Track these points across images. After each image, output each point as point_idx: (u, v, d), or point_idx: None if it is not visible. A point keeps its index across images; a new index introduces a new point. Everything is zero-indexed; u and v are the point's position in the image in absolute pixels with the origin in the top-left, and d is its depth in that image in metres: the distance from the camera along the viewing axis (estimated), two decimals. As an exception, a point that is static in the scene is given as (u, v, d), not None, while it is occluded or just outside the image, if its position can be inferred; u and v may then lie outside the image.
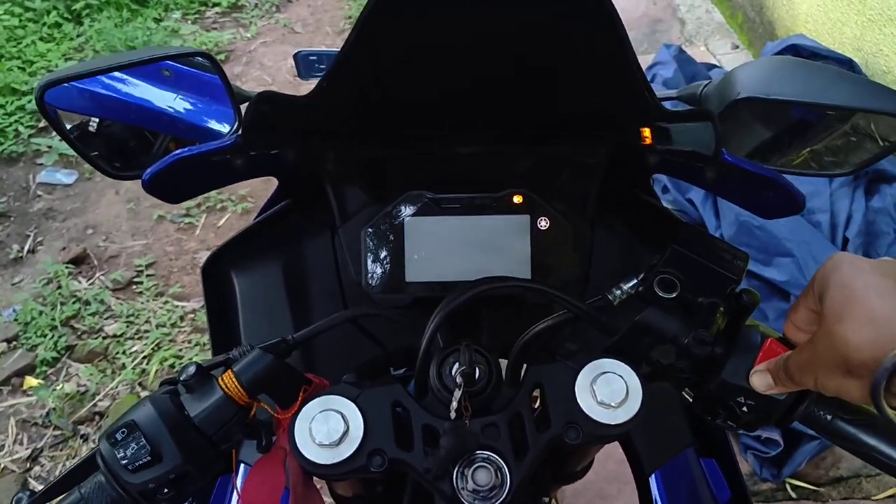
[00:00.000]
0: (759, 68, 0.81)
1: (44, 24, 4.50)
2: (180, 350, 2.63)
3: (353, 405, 0.69)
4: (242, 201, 3.27)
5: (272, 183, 0.98)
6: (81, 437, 2.39)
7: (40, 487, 0.69)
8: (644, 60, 3.35)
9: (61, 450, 2.37)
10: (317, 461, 0.67)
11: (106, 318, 2.80)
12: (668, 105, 0.86)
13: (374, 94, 0.75)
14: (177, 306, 2.81)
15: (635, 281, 0.78)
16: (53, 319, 2.76)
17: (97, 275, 2.99)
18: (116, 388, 2.53)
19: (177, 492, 0.66)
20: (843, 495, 1.98)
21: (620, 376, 0.69)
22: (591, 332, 0.79)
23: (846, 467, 2.01)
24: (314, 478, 0.78)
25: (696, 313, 0.72)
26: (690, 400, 0.76)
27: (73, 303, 2.84)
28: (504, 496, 0.67)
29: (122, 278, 2.94)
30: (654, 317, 0.72)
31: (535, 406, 0.73)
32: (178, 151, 0.72)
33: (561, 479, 1.00)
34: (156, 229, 3.19)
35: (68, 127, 0.89)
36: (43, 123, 3.67)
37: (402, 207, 0.89)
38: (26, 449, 2.38)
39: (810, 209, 2.35)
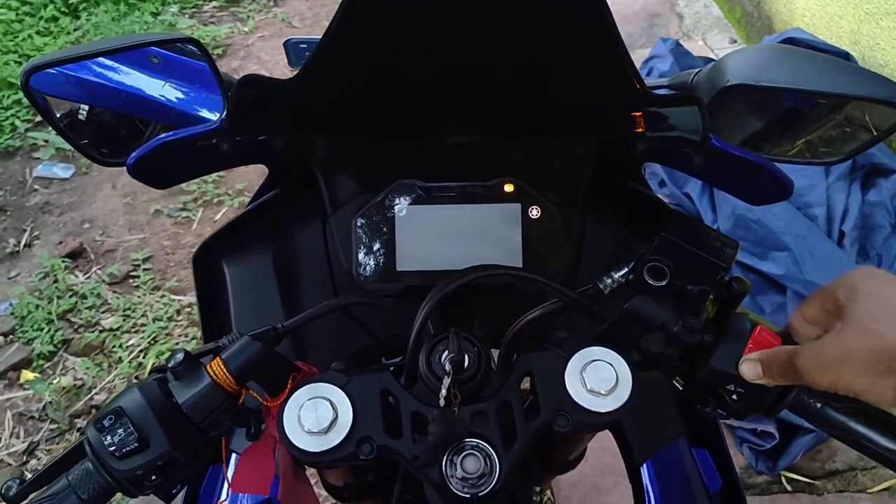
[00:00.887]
0: (750, 55, 0.80)
1: (41, 17, 4.49)
2: (177, 344, 2.63)
3: (341, 392, 0.69)
4: (239, 195, 3.27)
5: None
6: (78, 430, 2.39)
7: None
8: (642, 55, 3.35)
9: (58, 443, 2.37)
10: (306, 449, 0.67)
11: (102, 312, 2.80)
12: (658, 93, 0.86)
13: (359, 82, 0.75)
14: (173, 300, 2.81)
15: (625, 269, 0.77)
16: (50, 313, 2.76)
17: (94, 269, 2.98)
18: (113, 381, 2.53)
19: (165, 479, 0.66)
20: (839, 488, 1.98)
21: (610, 364, 0.69)
22: (582, 321, 0.79)
23: (842, 460, 2.02)
24: (305, 466, 0.78)
25: (685, 301, 0.72)
26: (680, 388, 0.76)
27: (70, 297, 2.83)
28: (493, 484, 0.67)
29: (118, 272, 2.94)
30: (643, 305, 0.72)
31: (526, 394, 0.73)
32: (162, 135, 0.72)
33: (552, 468, 1.00)
34: (152, 223, 3.18)
35: (57, 114, 0.89)
36: (40, 117, 3.66)
37: (393, 196, 0.89)
38: (23, 442, 2.37)
39: (806, 203, 2.35)
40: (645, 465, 0.89)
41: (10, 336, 2.72)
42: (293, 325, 0.80)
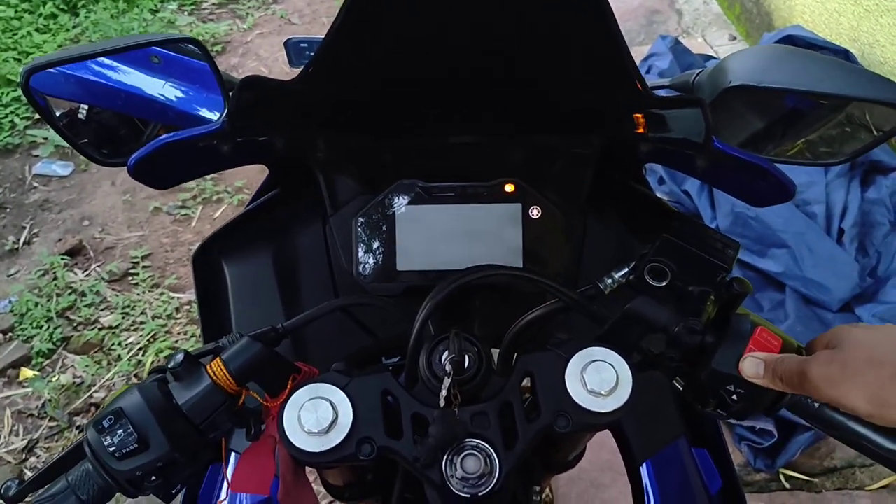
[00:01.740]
0: (752, 56, 0.80)
1: (40, 14, 4.48)
2: (176, 341, 2.63)
3: (342, 393, 0.69)
4: (239, 193, 3.26)
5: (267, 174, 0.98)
6: (77, 428, 2.39)
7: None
8: (641, 52, 3.35)
9: (57, 441, 2.37)
10: (306, 449, 0.67)
11: (102, 310, 2.79)
12: (660, 94, 0.86)
13: (361, 82, 0.75)
14: (172, 298, 2.81)
15: (626, 270, 0.77)
16: (49, 311, 2.75)
17: (93, 266, 2.98)
18: (112, 379, 2.53)
19: (164, 479, 0.66)
20: (837, 486, 1.98)
21: (610, 364, 0.69)
22: (583, 322, 0.79)
23: (840, 458, 2.02)
24: (305, 466, 0.78)
25: (686, 302, 0.72)
26: (681, 388, 0.76)
27: (69, 294, 2.83)
28: (493, 484, 0.67)
29: (117, 270, 2.93)
30: (644, 305, 0.72)
31: (526, 395, 0.73)
32: (163, 136, 0.71)
33: (552, 468, 1.00)
34: (152, 221, 3.18)
35: (57, 114, 0.88)
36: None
37: (394, 196, 0.89)
38: (22, 440, 2.37)
39: (805, 200, 2.35)
40: (644, 465, 0.89)
41: (10, 334, 2.72)
42: (293, 325, 0.80)
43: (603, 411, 0.68)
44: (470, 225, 0.89)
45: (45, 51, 4.19)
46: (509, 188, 0.89)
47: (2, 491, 0.66)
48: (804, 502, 1.92)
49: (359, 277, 0.89)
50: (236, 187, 3.28)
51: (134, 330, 2.70)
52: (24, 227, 3.18)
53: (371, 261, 0.89)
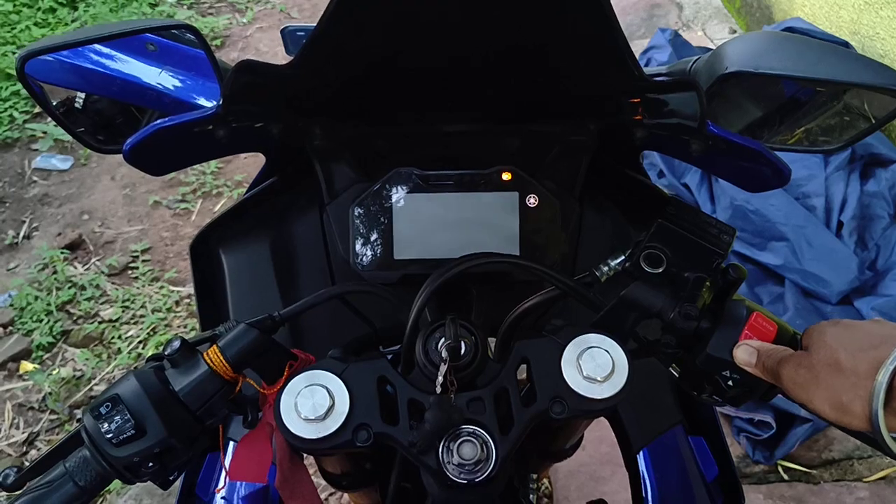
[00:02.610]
0: (748, 43, 0.80)
1: (39, 8, 4.48)
2: (175, 335, 2.63)
3: (338, 380, 0.69)
4: (238, 186, 3.26)
5: None
6: (77, 421, 2.39)
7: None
8: (641, 45, 3.34)
9: (57, 434, 2.38)
10: (302, 436, 0.67)
11: (102, 303, 2.80)
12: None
13: (356, 68, 0.74)
14: (172, 291, 2.81)
15: (622, 257, 0.77)
16: (49, 304, 2.76)
17: (93, 260, 2.98)
18: (112, 372, 2.54)
19: (161, 465, 0.66)
20: (836, 477, 1.99)
21: (606, 351, 0.69)
22: (580, 309, 0.79)
23: (838, 449, 2.02)
24: (302, 454, 0.78)
25: (682, 288, 0.72)
26: (677, 375, 0.76)
27: (69, 288, 2.84)
28: (489, 470, 0.67)
29: (117, 263, 2.94)
30: (639, 292, 0.72)
31: (522, 382, 0.73)
32: (158, 121, 0.71)
33: (549, 456, 1.00)
34: (151, 215, 3.18)
35: (54, 102, 0.88)
36: (38, 109, 3.65)
37: (391, 184, 0.89)
38: (22, 433, 2.38)
39: (805, 193, 2.35)
40: (641, 453, 0.89)
41: (10, 327, 2.72)
42: (290, 313, 0.80)
43: (599, 397, 0.68)
44: (467, 213, 0.89)
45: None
46: (506, 176, 0.89)
47: (1, 479, 0.66)
48: (802, 494, 1.93)
49: (356, 266, 0.89)
50: (236, 181, 3.28)
51: (134, 323, 2.71)
52: (24, 222, 3.18)
53: (368, 249, 0.89)
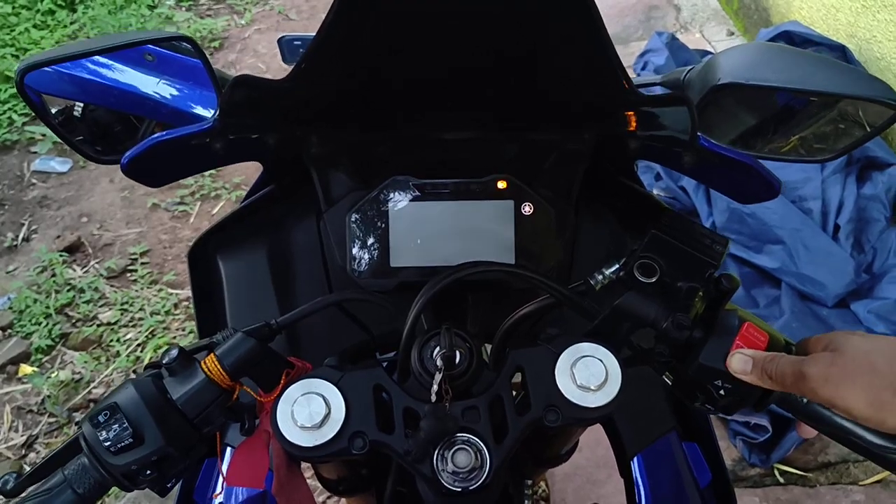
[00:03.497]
0: (742, 54, 0.81)
1: (37, 10, 4.48)
2: (174, 337, 2.64)
3: (334, 388, 0.70)
4: (236, 189, 3.27)
5: None
6: (76, 424, 2.40)
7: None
8: (639, 47, 3.35)
9: (56, 437, 2.38)
10: (299, 443, 0.67)
11: (100, 306, 2.80)
12: (650, 90, 0.87)
13: (354, 79, 0.75)
14: (171, 294, 2.82)
15: (617, 266, 0.78)
16: (48, 307, 2.76)
17: (91, 263, 2.99)
18: (111, 375, 2.54)
19: (159, 473, 0.66)
20: (831, 480, 2.00)
21: (600, 360, 0.70)
22: (575, 317, 0.80)
23: (834, 453, 2.03)
24: (299, 461, 0.79)
25: (675, 298, 0.73)
26: (670, 383, 0.76)
27: (68, 291, 2.84)
28: (484, 478, 0.67)
29: (116, 266, 2.94)
30: (633, 301, 0.73)
31: (517, 388, 0.74)
32: (156, 135, 0.72)
33: (543, 462, 1.01)
34: (150, 217, 3.19)
35: (52, 111, 0.89)
36: (36, 111, 3.65)
37: (388, 192, 0.89)
38: (21, 436, 2.38)
39: (801, 196, 2.36)
40: (635, 460, 0.90)
41: (9, 330, 2.73)
42: (287, 321, 0.80)
43: (592, 406, 0.69)
44: (463, 221, 0.90)
45: (43, 47, 4.19)
46: (502, 185, 0.90)
47: (0, 485, 0.67)
48: (798, 497, 1.94)
49: (352, 273, 0.90)
50: (234, 184, 3.29)
51: (132, 326, 2.71)
52: (23, 224, 3.18)
53: (365, 257, 0.90)
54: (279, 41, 1.11)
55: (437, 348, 0.72)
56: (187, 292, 2.82)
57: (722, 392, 0.70)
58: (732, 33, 3.98)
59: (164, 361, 0.69)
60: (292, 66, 0.69)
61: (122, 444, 0.64)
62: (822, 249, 2.22)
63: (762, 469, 2.00)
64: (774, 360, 0.65)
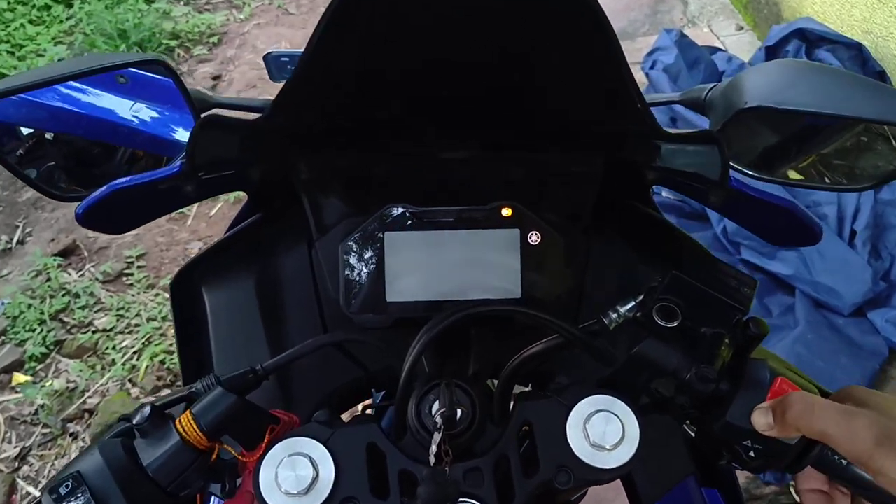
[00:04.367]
0: (768, 74, 0.73)
1: (33, 6, 4.41)
2: (171, 345, 2.58)
3: (323, 448, 0.63)
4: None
5: None
6: (71, 435, 2.35)
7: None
8: (646, 42, 3.28)
9: (50, 448, 2.33)
10: None
11: (96, 312, 2.75)
12: (669, 108, 0.80)
13: (343, 101, 0.69)
14: (167, 299, 2.75)
15: (633, 303, 0.72)
16: (42, 313, 2.71)
17: (87, 266, 2.93)
18: (106, 384, 2.49)
19: None
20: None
21: (616, 416, 0.64)
22: (586, 357, 0.73)
23: (852, 469, 1.96)
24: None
25: (698, 345, 0.66)
26: (692, 435, 0.70)
27: (63, 295, 2.78)
28: None
29: (112, 270, 2.88)
30: (653, 349, 0.66)
31: (524, 445, 0.68)
32: (116, 181, 0.65)
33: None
34: (147, 219, 3.12)
35: (23, 135, 0.82)
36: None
37: (382, 221, 0.83)
38: (15, 448, 2.33)
39: (816, 201, 2.28)
40: None
41: (3, 337, 2.67)
42: (274, 365, 0.74)
43: (607, 467, 0.63)
44: (464, 252, 0.83)
45: (39, 43, 4.13)
46: (506, 212, 0.83)
47: None
48: (814, 516, 1.87)
49: (346, 308, 0.83)
50: (233, 184, 3.22)
51: (129, 333, 2.66)
52: (18, 227, 3.13)
53: (358, 290, 0.83)
54: (265, 58, 1.04)
55: (437, 404, 0.66)
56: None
57: (752, 454, 0.63)
58: (742, 28, 3.89)
59: (134, 422, 0.63)
60: (280, 83, 0.63)
61: (86, 519, 0.57)
62: (838, 256, 2.15)
63: (777, 487, 1.93)
64: (800, 405, 0.58)
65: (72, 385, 2.49)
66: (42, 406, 2.41)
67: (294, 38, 4.23)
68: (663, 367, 0.66)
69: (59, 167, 0.83)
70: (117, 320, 2.69)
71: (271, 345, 0.88)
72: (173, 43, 4.22)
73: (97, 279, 2.86)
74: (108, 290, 2.83)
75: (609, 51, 0.57)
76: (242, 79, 3.95)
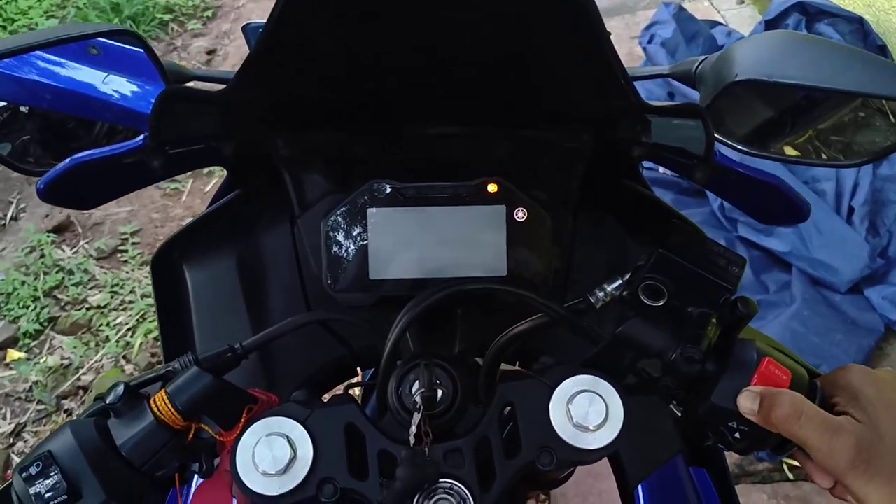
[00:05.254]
0: (760, 46, 0.71)
1: (25, -21, 4.35)
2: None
3: (301, 428, 0.62)
4: (230, 166, 3.18)
5: None
6: (65, 411, 2.35)
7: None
8: (644, 16, 3.23)
9: (45, 424, 2.33)
10: (261, 492, 0.60)
11: (90, 289, 2.73)
12: (666, 83, 0.78)
13: (315, 73, 0.66)
14: (162, 276, 2.75)
15: (619, 282, 0.70)
16: (36, 290, 2.70)
17: (81, 243, 2.92)
18: (100, 361, 2.48)
19: None
20: (841, 474, 1.93)
21: (600, 396, 0.62)
22: (572, 336, 0.72)
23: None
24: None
25: (684, 325, 0.64)
26: (678, 415, 0.69)
27: (57, 272, 2.77)
28: None
29: (106, 247, 2.87)
30: (638, 329, 0.65)
31: (507, 426, 0.66)
32: (78, 154, 0.63)
33: (538, 487, 0.94)
34: (141, 196, 3.10)
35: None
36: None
37: (366, 197, 0.81)
38: (9, 424, 2.33)
39: (814, 177, 2.26)
40: (640, 487, 0.83)
41: (-4, 314, 2.67)
42: (254, 344, 0.72)
43: (590, 448, 0.62)
44: (449, 229, 0.81)
45: (31, 17, 4.07)
46: (492, 188, 0.81)
47: None
48: (808, 494, 1.87)
49: (328, 286, 0.82)
50: (227, 160, 3.20)
51: (122, 310, 2.65)
52: (11, 203, 3.11)
53: (341, 268, 0.82)
54: (244, 28, 1.01)
55: (417, 384, 0.64)
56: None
57: (737, 435, 0.62)
58: (743, 1, 3.83)
59: (108, 401, 0.62)
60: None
61: (57, 500, 0.56)
62: (836, 233, 2.14)
63: (770, 464, 1.93)
64: (779, 403, 0.57)
65: (66, 362, 2.48)
66: (36, 383, 2.41)
67: (289, 12, 4.17)
68: (648, 347, 0.65)
69: (35, 141, 0.81)
70: (111, 297, 2.68)
71: (253, 323, 0.87)
72: (167, 17, 4.17)
73: (91, 256, 2.85)
74: (102, 267, 2.82)
75: (592, 26, 0.55)
76: (238, 53, 3.90)
